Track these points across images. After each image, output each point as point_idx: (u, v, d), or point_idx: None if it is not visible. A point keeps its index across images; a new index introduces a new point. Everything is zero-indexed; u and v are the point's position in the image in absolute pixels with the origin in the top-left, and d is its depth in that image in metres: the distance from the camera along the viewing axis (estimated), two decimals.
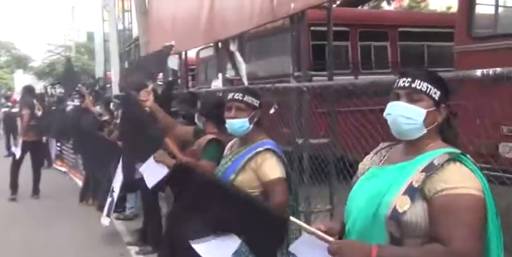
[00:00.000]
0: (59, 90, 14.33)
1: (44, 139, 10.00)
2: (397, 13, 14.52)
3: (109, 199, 6.33)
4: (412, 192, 1.80)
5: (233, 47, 6.53)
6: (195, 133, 4.08)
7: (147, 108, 4.20)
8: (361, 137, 3.99)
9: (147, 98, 4.32)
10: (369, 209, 1.87)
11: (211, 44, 10.77)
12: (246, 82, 6.61)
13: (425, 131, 1.90)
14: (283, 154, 2.94)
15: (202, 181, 2.45)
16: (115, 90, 10.66)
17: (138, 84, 5.60)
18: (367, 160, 2.14)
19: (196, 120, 3.99)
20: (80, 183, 10.09)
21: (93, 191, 8.30)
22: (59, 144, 11.02)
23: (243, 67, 6.58)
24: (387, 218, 1.81)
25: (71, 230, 7.06)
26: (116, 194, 6.18)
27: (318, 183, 4.68)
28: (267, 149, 2.89)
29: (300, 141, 4.33)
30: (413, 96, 1.90)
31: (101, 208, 7.73)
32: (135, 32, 15.69)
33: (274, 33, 9.66)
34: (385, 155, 2.08)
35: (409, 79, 1.91)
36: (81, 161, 9.34)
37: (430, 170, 1.80)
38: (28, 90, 9.89)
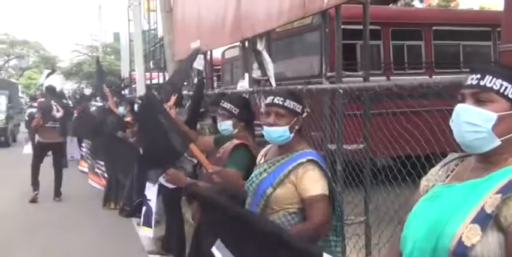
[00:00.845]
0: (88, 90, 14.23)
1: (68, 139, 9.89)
2: (431, 11, 13.99)
3: (144, 208, 6.07)
4: (484, 220, 1.41)
5: (260, 46, 6.23)
6: (216, 143, 3.78)
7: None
8: (405, 141, 3.67)
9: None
10: (427, 241, 1.49)
11: (237, 44, 10.62)
12: (273, 83, 6.30)
13: (498, 141, 1.49)
14: (326, 166, 2.58)
15: (226, 213, 2.08)
16: (140, 90, 10.44)
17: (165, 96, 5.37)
18: (432, 175, 1.74)
19: (219, 122, 3.66)
20: (97, 186, 9.91)
21: (116, 195, 8.09)
22: (83, 144, 10.84)
23: (270, 67, 6.28)
24: (450, 253, 1.43)
25: (91, 236, 6.85)
26: (152, 203, 5.94)
27: (349, 191, 4.34)
28: (310, 161, 2.51)
29: (333, 147, 4.00)
30: (481, 96, 1.50)
31: (124, 213, 7.54)
32: (160, 32, 15.55)
33: (301, 32, 9.37)
34: (453, 169, 1.67)
35: (478, 76, 1.52)
36: (104, 163, 9.09)
37: (508, 191, 1.41)
38: (49, 91, 9.74)
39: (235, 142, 3.37)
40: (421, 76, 8.90)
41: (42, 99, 14.49)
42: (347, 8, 8.01)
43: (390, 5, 13.26)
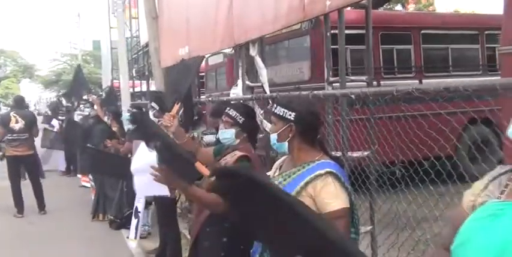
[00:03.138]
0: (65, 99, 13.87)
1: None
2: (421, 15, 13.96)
3: (134, 220, 5.87)
4: None
5: (253, 52, 6.09)
6: (215, 154, 3.57)
7: (170, 134, 3.66)
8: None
9: (171, 124, 3.82)
10: None
11: (223, 50, 10.44)
12: (267, 90, 6.15)
13: None
14: (346, 177, 2.40)
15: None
16: (124, 98, 10.21)
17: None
18: (478, 189, 1.59)
19: (220, 129, 3.45)
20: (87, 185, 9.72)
21: (104, 206, 7.88)
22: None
23: (264, 73, 6.12)
24: None
25: (80, 249, 6.62)
26: (141, 215, 5.75)
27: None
28: (329, 173, 2.32)
29: (338, 154, 3.85)
30: None
31: (114, 225, 7.34)
32: (143, 39, 15.32)
33: (289, 38, 9.27)
34: (507, 184, 1.53)
35: None
36: (91, 176, 8.86)
37: None
38: (16, 102, 9.29)
39: (238, 153, 3.17)
40: (410, 80, 8.86)
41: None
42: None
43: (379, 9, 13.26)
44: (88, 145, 7.19)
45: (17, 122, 8.62)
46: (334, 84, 4.46)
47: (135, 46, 17.20)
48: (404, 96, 2.77)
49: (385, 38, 8.77)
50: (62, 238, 7.20)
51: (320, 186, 2.30)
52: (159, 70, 9.57)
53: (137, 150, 3.62)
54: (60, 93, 42.20)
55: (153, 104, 5.54)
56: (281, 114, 2.47)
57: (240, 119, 3.32)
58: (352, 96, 3.00)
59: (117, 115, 7.61)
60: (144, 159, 3.16)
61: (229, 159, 3.16)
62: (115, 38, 17.24)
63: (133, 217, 6.04)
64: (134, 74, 16.75)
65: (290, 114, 2.45)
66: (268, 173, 2.69)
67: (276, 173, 2.59)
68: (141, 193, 4.85)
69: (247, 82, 6.21)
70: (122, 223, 7.31)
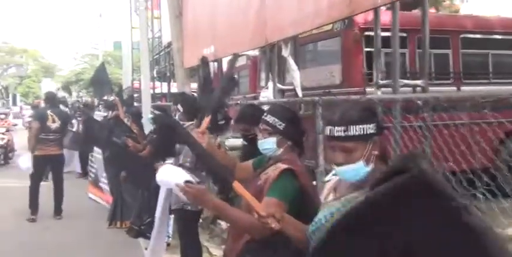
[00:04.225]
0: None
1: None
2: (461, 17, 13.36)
3: (154, 232, 5.47)
4: None
5: (286, 52, 5.66)
6: (255, 167, 3.06)
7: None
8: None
9: (202, 141, 3.33)
10: None
11: (245, 53, 9.98)
12: (300, 93, 5.72)
13: None
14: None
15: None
16: (145, 100, 9.82)
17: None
18: None
19: (259, 140, 2.95)
20: (98, 200, 9.27)
21: (121, 213, 7.45)
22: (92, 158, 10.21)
23: (297, 75, 5.69)
24: None
25: None
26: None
27: None
28: None
29: None
30: None
31: (132, 233, 6.90)
32: (165, 40, 14.99)
33: (320, 39, 8.79)
34: None
35: None
36: (107, 179, 8.45)
37: None
38: (48, 98, 8.99)
39: (282, 166, 2.68)
40: (447, 87, 8.32)
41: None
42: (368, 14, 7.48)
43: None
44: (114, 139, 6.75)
45: (53, 121, 8.37)
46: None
47: (157, 47, 16.88)
48: (483, 104, 2.30)
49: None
50: (76, 245, 6.83)
51: None
52: (181, 70, 9.20)
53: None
54: (82, 95, 42.29)
55: (178, 106, 5.10)
56: (361, 132, 1.94)
57: (280, 125, 2.83)
58: (419, 102, 2.52)
59: (137, 117, 7.19)
60: (171, 171, 2.73)
61: (271, 173, 2.68)
62: (136, 39, 16.99)
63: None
64: (155, 75, 16.42)
65: (371, 128, 1.95)
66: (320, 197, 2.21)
67: (331, 197, 2.12)
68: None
69: (279, 85, 5.77)
70: (140, 231, 6.83)
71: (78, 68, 44.46)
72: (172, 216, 6.27)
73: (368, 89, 7.88)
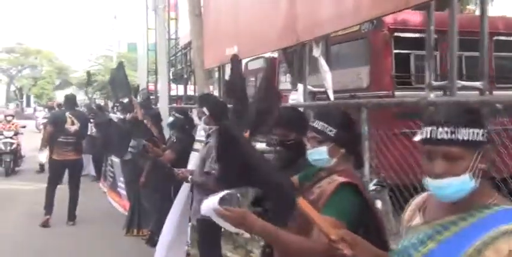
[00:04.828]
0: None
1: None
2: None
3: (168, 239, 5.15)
4: None
5: (317, 52, 5.28)
6: (301, 180, 2.62)
7: None
8: None
9: None
10: None
11: (262, 55, 9.58)
12: (331, 96, 5.34)
13: None
14: None
15: None
16: (163, 102, 9.50)
17: None
18: None
19: (308, 150, 2.55)
20: (116, 206, 8.93)
21: (139, 220, 7.10)
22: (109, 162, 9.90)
23: (328, 77, 5.31)
24: None
25: None
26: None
27: None
28: None
29: None
30: None
31: (152, 242, 6.56)
32: (182, 41, 14.65)
33: (346, 40, 8.40)
34: None
35: None
36: (125, 183, 8.11)
37: None
38: (69, 101, 8.64)
39: (339, 179, 2.31)
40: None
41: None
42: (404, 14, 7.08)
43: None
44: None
45: (72, 123, 8.00)
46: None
47: (173, 48, 16.55)
48: None
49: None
50: (90, 254, 6.51)
51: (508, 250, 1.43)
52: (201, 72, 8.86)
53: None
54: (95, 97, 42.13)
55: (204, 109, 4.74)
56: (471, 137, 1.56)
57: (330, 131, 2.45)
58: (499, 106, 2.13)
59: (157, 119, 6.84)
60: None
61: (326, 186, 2.31)
62: (152, 41, 16.69)
63: None
64: (171, 77, 16.09)
65: (479, 134, 1.56)
66: (403, 217, 1.83)
67: (418, 220, 1.72)
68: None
69: (309, 87, 5.40)
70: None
71: (92, 69, 44.34)
72: (190, 223, 5.94)
73: (397, 93, 7.54)
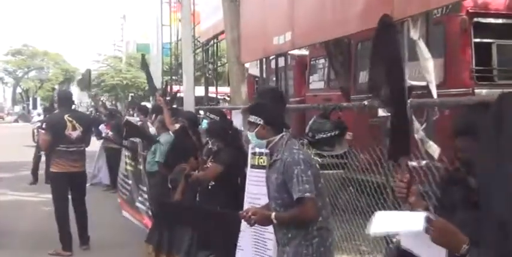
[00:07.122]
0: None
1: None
2: None
3: None
4: None
5: (415, 33, 4.04)
6: None
7: None
8: None
9: None
10: None
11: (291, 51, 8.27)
12: (434, 92, 4.06)
13: None
14: None
15: None
16: (188, 103, 8.25)
17: None
18: None
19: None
20: (135, 221, 7.59)
21: (169, 243, 5.78)
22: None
23: (430, 66, 4.05)
24: None
25: None
26: None
27: None
28: None
29: None
30: None
31: None
32: (203, 37, 13.41)
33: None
34: None
35: None
36: (148, 198, 6.82)
37: None
38: (63, 100, 6.80)
39: None
40: None
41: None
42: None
43: None
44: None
45: (74, 128, 6.38)
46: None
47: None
48: None
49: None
50: None
51: None
52: (237, 67, 7.62)
53: None
54: (103, 98, 41.00)
55: (256, 118, 3.49)
56: None
57: None
58: None
59: (194, 124, 5.57)
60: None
61: None
62: (166, 39, 15.49)
63: None
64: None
65: None
66: None
67: None
68: None
69: (408, 80, 4.10)
70: None
71: (101, 69, 43.35)
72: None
73: (477, 91, 6.29)
